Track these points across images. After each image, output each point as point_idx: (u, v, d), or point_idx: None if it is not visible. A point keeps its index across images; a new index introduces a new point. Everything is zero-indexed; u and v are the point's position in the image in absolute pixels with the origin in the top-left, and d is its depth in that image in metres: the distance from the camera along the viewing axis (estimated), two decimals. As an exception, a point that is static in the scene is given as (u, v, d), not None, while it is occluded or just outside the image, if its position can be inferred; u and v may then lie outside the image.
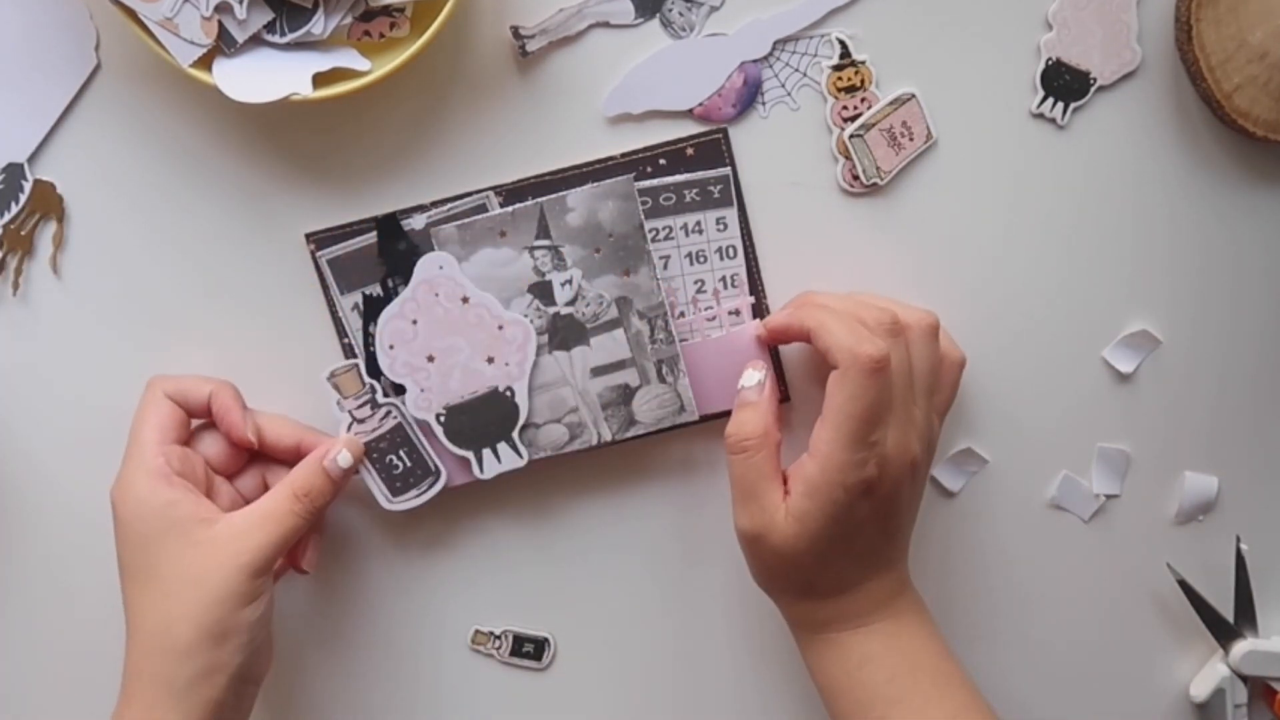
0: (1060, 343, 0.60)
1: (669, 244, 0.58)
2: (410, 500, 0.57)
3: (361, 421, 0.56)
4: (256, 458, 0.57)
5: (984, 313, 0.60)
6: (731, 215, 0.58)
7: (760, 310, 0.59)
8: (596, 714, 0.63)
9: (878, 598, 0.54)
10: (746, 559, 0.55)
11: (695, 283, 0.58)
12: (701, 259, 0.58)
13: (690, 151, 0.57)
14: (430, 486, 0.57)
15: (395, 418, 0.56)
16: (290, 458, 0.56)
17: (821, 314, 0.53)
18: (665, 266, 0.58)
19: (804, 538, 0.51)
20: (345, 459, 0.55)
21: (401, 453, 0.57)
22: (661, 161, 0.57)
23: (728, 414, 0.57)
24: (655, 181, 0.57)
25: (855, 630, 0.54)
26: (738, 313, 0.58)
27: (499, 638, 0.62)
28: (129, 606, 0.52)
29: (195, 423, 0.56)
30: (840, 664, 0.54)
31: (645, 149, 0.57)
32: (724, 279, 0.58)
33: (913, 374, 0.53)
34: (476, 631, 0.62)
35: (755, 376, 0.55)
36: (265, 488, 0.57)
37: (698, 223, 0.58)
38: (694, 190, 0.57)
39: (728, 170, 0.57)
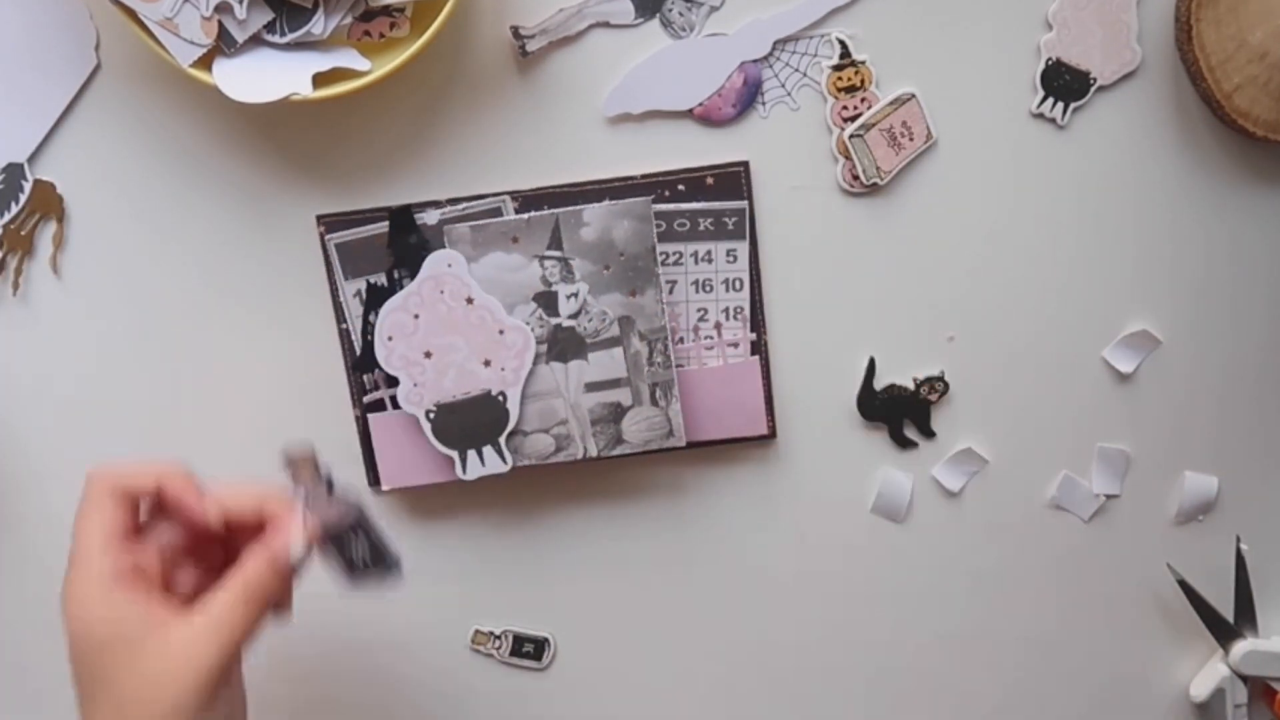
0: (1060, 342, 0.60)
1: (678, 269, 0.58)
2: (371, 585, 0.51)
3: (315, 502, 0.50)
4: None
5: (984, 312, 0.60)
6: (743, 249, 0.58)
7: (760, 346, 0.59)
8: (595, 714, 0.63)
9: None
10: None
11: (699, 311, 0.58)
12: (708, 288, 0.58)
13: (710, 180, 0.57)
14: (393, 574, 0.51)
15: (355, 504, 0.50)
16: (253, 524, 0.50)
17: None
18: (671, 291, 0.58)
19: None
20: (296, 553, 0.49)
21: (362, 538, 0.50)
22: (680, 187, 0.57)
23: (716, 443, 0.59)
24: (671, 206, 0.57)
25: None
26: (737, 345, 0.58)
27: (499, 638, 0.62)
28: (88, 711, 0.48)
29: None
30: None
31: (666, 173, 0.57)
32: (727, 310, 0.58)
33: None
34: (476, 631, 0.62)
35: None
36: (230, 556, 0.51)
37: (708, 252, 0.58)
38: (709, 219, 0.58)
39: (744, 204, 0.58)
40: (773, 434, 0.60)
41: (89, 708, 0.48)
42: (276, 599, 0.50)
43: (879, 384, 0.60)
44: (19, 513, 0.60)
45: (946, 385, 0.60)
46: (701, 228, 0.58)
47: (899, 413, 0.60)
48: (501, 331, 0.56)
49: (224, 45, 0.52)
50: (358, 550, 0.49)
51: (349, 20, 0.53)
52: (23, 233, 0.57)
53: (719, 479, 0.60)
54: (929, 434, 0.61)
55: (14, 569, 0.61)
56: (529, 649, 0.62)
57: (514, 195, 0.57)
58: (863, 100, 0.58)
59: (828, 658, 0.62)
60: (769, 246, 0.59)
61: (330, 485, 0.48)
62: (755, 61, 0.57)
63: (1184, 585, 0.61)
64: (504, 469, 0.57)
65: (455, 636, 0.62)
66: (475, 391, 0.57)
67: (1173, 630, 0.63)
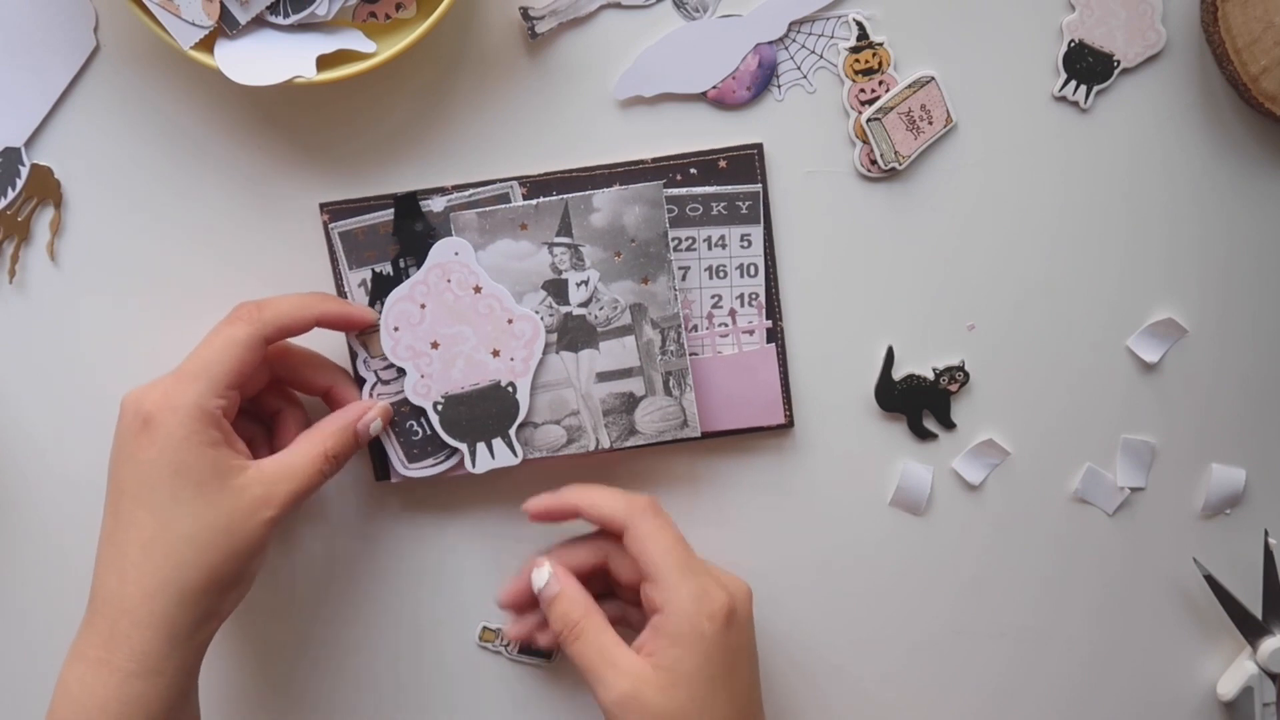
0: (1083, 332, 0.59)
1: (690, 255, 0.57)
2: (425, 469, 0.57)
3: (386, 383, 0.56)
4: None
5: (1004, 301, 0.59)
6: (757, 233, 0.57)
7: (776, 334, 0.58)
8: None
9: None
10: None
11: (713, 298, 0.58)
12: (722, 274, 0.57)
13: (723, 164, 0.57)
14: (447, 458, 0.57)
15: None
16: (312, 391, 0.56)
17: (580, 491, 0.54)
18: (684, 278, 0.57)
19: (680, 685, 0.50)
20: (377, 427, 0.55)
21: (422, 420, 0.56)
22: (693, 170, 0.57)
23: (732, 433, 0.58)
24: (684, 190, 0.57)
25: None
26: (752, 332, 0.58)
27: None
28: (129, 535, 0.49)
29: None
30: None
31: (678, 156, 0.56)
32: (742, 297, 0.58)
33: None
34: (484, 629, 0.61)
35: (543, 577, 0.53)
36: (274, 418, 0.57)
37: (721, 237, 0.57)
38: (722, 204, 0.57)
39: (759, 187, 0.57)
40: (790, 423, 0.59)
41: (144, 522, 0.49)
42: (345, 462, 0.54)
43: (897, 374, 0.59)
44: (17, 501, 0.59)
45: (967, 375, 0.59)
46: (714, 212, 0.57)
47: (918, 403, 0.59)
48: (510, 321, 0.56)
49: (226, 27, 0.52)
50: (420, 430, 0.57)
51: (354, 1, 0.53)
52: (19, 219, 0.57)
53: (735, 470, 0.60)
54: (949, 425, 0.60)
55: (12, 556, 0.60)
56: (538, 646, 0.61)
57: (522, 181, 0.56)
58: (880, 83, 0.57)
59: (845, 651, 0.61)
60: (784, 232, 0.58)
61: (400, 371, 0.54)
62: (770, 43, 0.57)
63: (1211, 581, 0.60)
64: (514, 462, 0.57)
65: (463, 633, 0.61)
66: (484, 382, 0.56)
67: (1199, 627, 0.62)
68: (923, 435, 0.59)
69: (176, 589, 0.49)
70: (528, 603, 0.55)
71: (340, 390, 0.56)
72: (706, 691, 0.50)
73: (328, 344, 0.57)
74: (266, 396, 0.56)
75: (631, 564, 0.53)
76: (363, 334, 0.56)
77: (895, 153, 0.57)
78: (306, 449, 0.53)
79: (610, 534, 0.54)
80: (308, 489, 0.52)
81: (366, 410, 0.55)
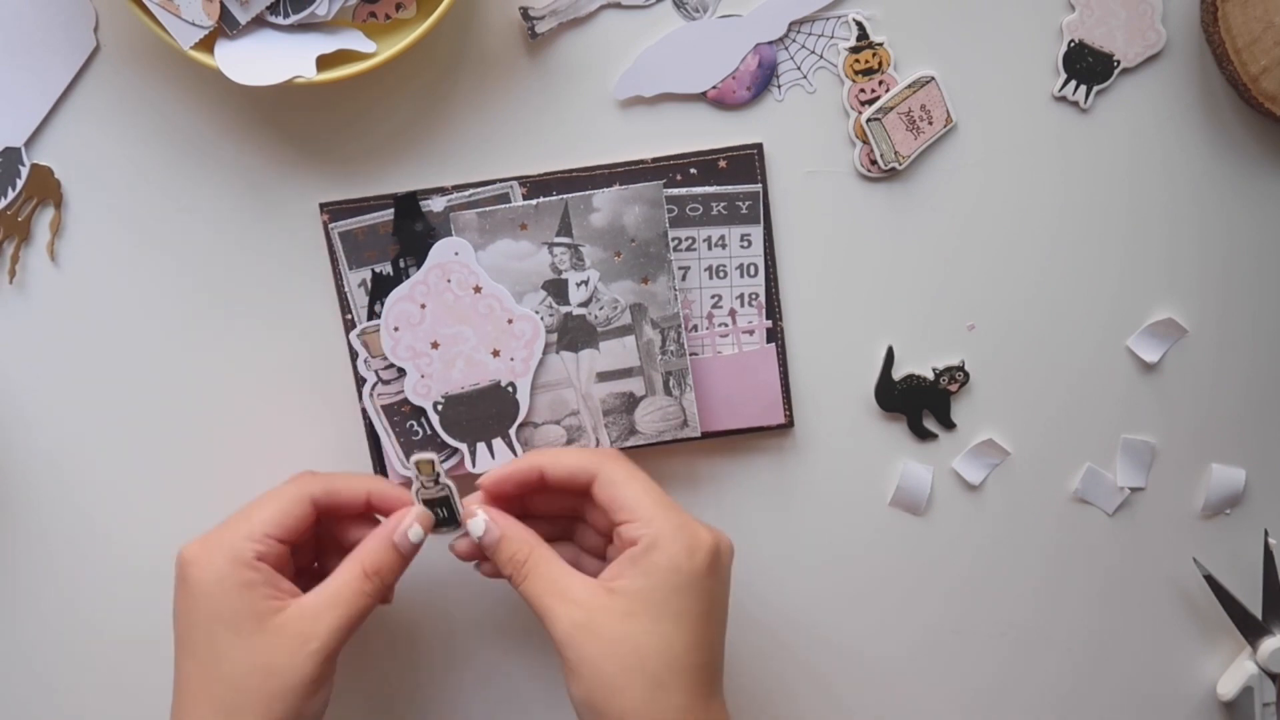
0: (1083, 331, 0.59)
1: (690, 255, 0.57)
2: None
3: (386, 383, 0.56)
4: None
5: (1004, 301, 0.59)
6: (757, 233, 0.57)
7: (776, 334, 0.58)
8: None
9: None
10: (588, 687, 0.48)
11: (713, 297, 0.58)
12: (722, 274, 0.57)
13: (723, 164, 0.57)
14: (447, 458, 0.57)
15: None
16: (357, 511, 0.53)
17: (536, 454, 0.52)
18: (684, 278, 0.57)
19: (640, 614, 0.47)
20: (417, 534, 0.51)
21: (423, 420, 0.56)
22: (692, 170, 0.56)
23: (732, 433, 0.58)
24: (684, 190, 0.57)
25: None
26: (752, 332, 0.58)
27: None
28: (182, 685, 0.49)
29: None
30: None
31: (677, 156, 0.56)
32: (742, 297, 0.58)
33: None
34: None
35: (479, 525, 0.51)
36: (321, 551, 0.55)
37: (721, 237, 0.57)
38: (722, 203, 0.57)
39: (759, 187, 0.57)
40: (790, 423, 0.59)
41: (196, 674, 0.49)
42: (394, 581, 0.52)
43: (897, 374, 0.59)
44: (15, 504, 0.59)
45: (967, 375, 0.59)
46: (714, 212, 0.57)
47: (918, 403, 0.59)
48: (510, 320, 0.56)
49: (226, 27, 0.52)
50: (421, 429, 0.56)
51: (354, 1, 0.53)
52: (19, 219, 0.57)
53: (735, 470, 0.59)
54: (949, 425, 0.60)
55: (9, 562, 0.60)
56: (443, 514, 0.60)
57: (522, 181, 0.56)
58: (880, 83, 0.57)
59: (845, 650, 0.61)
60: (784, 232, 0.58)
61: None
62: (770, 43, 0.57)
63: (1211, 580, 0.60)
64: None
65: (462, 633, 0.61)
66: (484, 382, 0.56)
67: (1199, 627, 0.62)
68: (923, 435, 0.59)
69: None
70: (507, 492, 0.53)
71: (377, 494, 0.53)
72: (671, 626, 0.48)
73: (309, 373, 0.57)
74: (327, 558, 0.55)
75: (600, 514, 0.51)
76: (363, 334, 0.56)
77: (895, 153, 0.57)
78: (344, 573, 0.50)
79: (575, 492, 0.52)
80: (353, 615, 0.49)
81: (401, 519, 0.52)
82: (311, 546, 0.55)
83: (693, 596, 0.48)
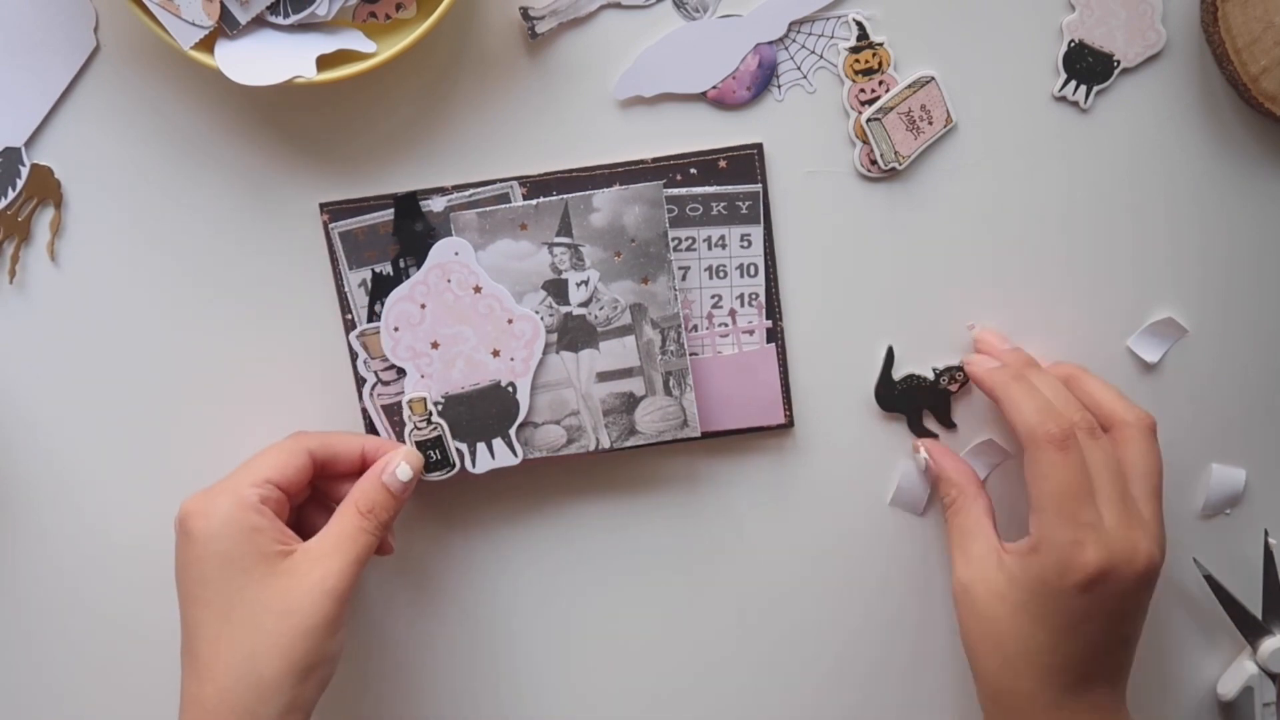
0: (1083, 331, 0.59)
1: (690, 255, 0.57)
2: (434, 476, 0.56)
3: (386, 384, 0.56)
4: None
5: (1004, 301, 0.59)
6: (757, 233, 0.57)
7: (776, 334, 0.58)
8: (608, 709, 0.62)
9: (1097, 715, 0.52)
10: (963, 636, 0.54)
11: (713, 297, 0.58)
12: (722, 274, 0.57)
13: (723, 164, 0.56)
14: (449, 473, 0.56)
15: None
16: (354, 470, 0.54)
17: (1015, 387, 0.53)
18: (684, 278, 0.57)
19: (1009, 600, 0.51)
20: (405, 472, 0.53)
21: (436, 451, 0.56)
22: (692, 170, 0.56)
23: (732, 433, 0.58)
24: (684, 190, 0.57)
25: None
26: (752, 332, 0.58)
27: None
28: (197, 636, 0.49)
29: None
30: None
31: (677, 156, 0.56)
32: (742, 297, 0.58)
33: (1129, 472, 0.52)
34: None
35: (921, 462, 0.58)
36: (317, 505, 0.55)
37: (721, 237, 0.57)
38: (722, 203, 0.57)
39: (759, 187, 0.57)
40: (790, 423, 0.59)
41: (210, 624, 0.49)
42: (389, 520, 0.53)
43: (897, 373, 0.59)
44: (17, 502, 0.59)
45: (967, 375, 0.59)
46: (714, 212, 0.57)
47: (918, 403, 0.59)
48: (510, 320, 0.56)
49: (226, 27, 0.52)
50: (432, 457, 0.56)
51: (354, 1, 0.53)
52: (20, 219, 0.57)
53: (735, 470, 0.59)
54: (949, 425, 0.59)
55: (11, 559, 0.60)
56: (435, 458, 0.60)
57: (522, 181, 0.56)
58: (880, 83, 0.57)
59: (846, 652, 0.61)
60: (784, 232, 0.58)
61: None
62: (770, 43, 0.56)
63: (1211, 580, 0.60)
64: (514, 461, 0.56)
65: (463, 633, 0.61)
66: (484, 382, 0.56)
67: (1199, 627, 0.62)
68: (923, 435, 0.59)
69: (253, 680, 0.48)
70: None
71: (371, 449, 0.54)
72: (1028, 624, 0.51)
73: (309, 372, 0.57)
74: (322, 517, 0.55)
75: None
76: (363, 334, 0.56)
77: (895, 153, 0.57)
78: (341, 516, 0.52)
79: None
80: (357, 552, 0.51)
81: (391, 459, 0.53)
82: (308, 505, 0.55)
83: (1055, 608, 0.50)
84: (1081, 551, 0.49)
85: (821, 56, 0.57)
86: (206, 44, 0.52)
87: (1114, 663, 0.53)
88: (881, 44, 0.57)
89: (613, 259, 0.56)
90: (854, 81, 0.57)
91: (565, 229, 0.55)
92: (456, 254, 0.55)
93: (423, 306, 0.55)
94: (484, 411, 0.56)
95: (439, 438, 0.54)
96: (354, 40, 0.53)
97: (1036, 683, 0.51)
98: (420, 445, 0.55)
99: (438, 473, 0.55)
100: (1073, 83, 0.57)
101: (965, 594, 0.53)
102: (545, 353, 0.56)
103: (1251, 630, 0.61)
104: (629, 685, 0.62)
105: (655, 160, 0.56)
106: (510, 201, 0.56)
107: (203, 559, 0.49)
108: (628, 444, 0.57)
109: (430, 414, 0.54)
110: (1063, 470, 0.50)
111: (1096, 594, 0.50)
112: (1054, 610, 0.50)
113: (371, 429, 0.57)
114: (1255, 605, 0.60)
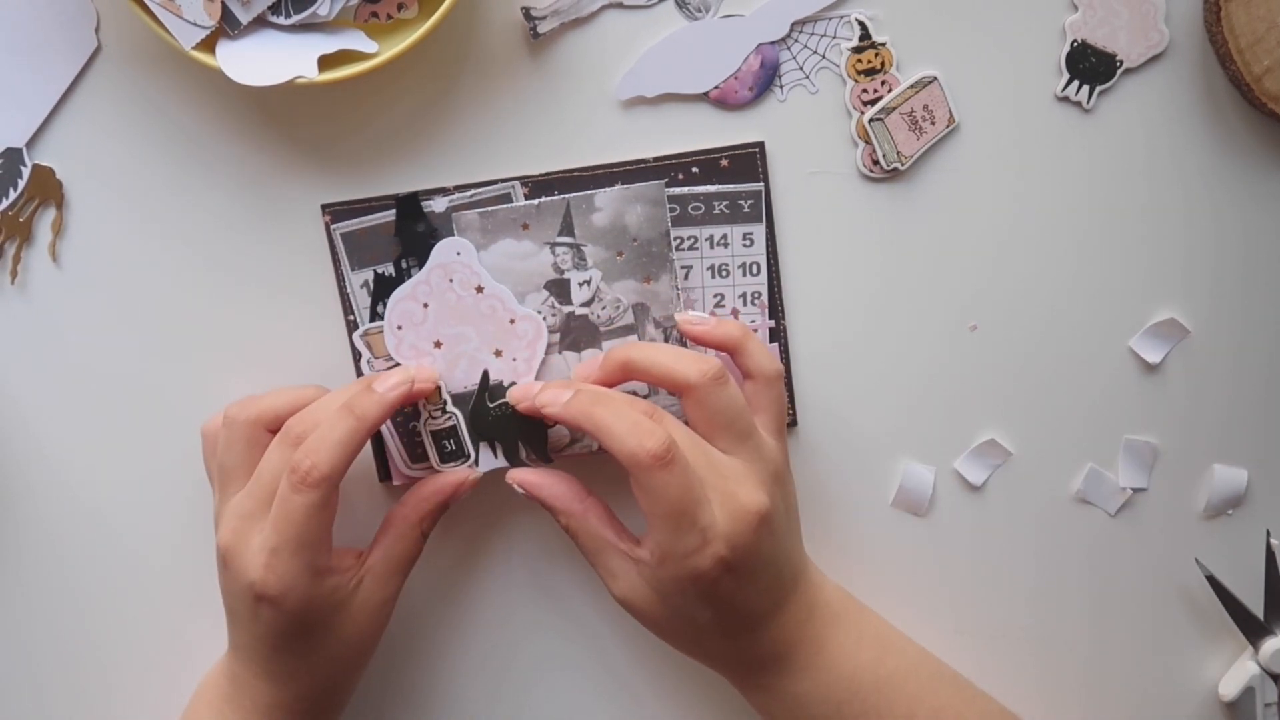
0: (1085, 332, 0.59)
1: (692, 254, 0.57)
2: (428, 469, 0.56)
3: None
4: None
5: (1007, 301, 0.59)
6: (759, 232, 0.57)
7: (779, 333, 0.58)
8: (610, 708, 0.62)
9: (788, 634, 0.53)
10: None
11: (715, 296, 0.57)
12: (724, 273, 0.57)
13: (725, 163, 0.56)
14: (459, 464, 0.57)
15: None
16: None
17: (599, 413, 0.50)
18: (686, 277, 0.57)
19: (664, 603, 0.52)
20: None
21: (451, 440, 0.56)
22: (694, 169, 0.56)
23: None
24: (685, 189, 0.56)
25: (779, 674, 0.53)
26: (755, 332, 0.58)
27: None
28: (280, 670, 0.53)
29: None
30: (780, 711, 0.54)
31: (679, 155, 0.56)
32: (744, 296, 0.58)
33: (719, 429, 0.51)
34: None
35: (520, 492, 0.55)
36: None
37: (724, 236, 0.57)
38: (724, 203, 0.57)
39: (761, 186, 0.57)
40: (793, 422, 0.59)
41: (292, 664, 0.52)
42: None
43: (493, 399, 0.56)
44: (18, 503, 0.59)
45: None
46: (716, 211, 0.57)
47: (512, 433, 0.56)
48: (513, 321, 0.56)
49: (227, 27, 0.52)
50: (447, 447, 0.56)
51: (356, 1, 0.53)
52: (21, 219, 0.57)
53: (737, 471, 0.59)
54: (546, 459, 0.56)
55: (14, 562, 0.60)
56: (450, 447, 0.59)
57: (524, 181, 0.56)
58: (883, 83, 0.57)
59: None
60: (787, 233, 0.58)
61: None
62: (773, 43, 0.56)
63: (1213, 581, 0.60)
64: (517, 461, 0.56)
65: (464, 633, 0.61)
66: (487, 382, 0.56)
67: (1201, 627, 0.62)
68: (517, 465, 0.56)
69: (330, 687, 0.54)
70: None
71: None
72: (688, 614, 0.52)
73: (310, 372, 0.57)
74: None
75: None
76: (366, 334, 0.56)
77: (897, 153, 0.57)
78: (402, 533, 0.54)
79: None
80: (408, 568, 0.55)
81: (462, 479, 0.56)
82: None
83: (704, 597, 0.51)
84: (703, 556, 0.49)
85: (824, 56, 0.57)
86: (208, 44, 0.52)
87: (789, 572, 0.53)
88: (884, 44, 0.56)
89: (615, 258, 0.56)
90: (856, 81, 0.57)
91: (567, 229, 0.55)
92: (458, 254, 0.55)
93: (425, 306, 0.55)
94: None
95: (454, 427, 0.54)
96: (356, 40, 0.53)
97: (736, 640, 0.53)
98: (435, 435, 0.55)
99: (454, 463, 0.55)
100: (1075, 83, 0.57)
101: (628, 606, 0.53)
102: (548, 353, 0.56)
103: (1253, 631, 0.60)
104: (629, 685, 0.62)
105: (657, 159, 0.56)
106: (512, 201, 0.56)
107: (285, 625, 0.51)
108: (629, 444, 0.57)
109: (445, 403, 0.54)
110: (673, 487, 0.48)
111: (734, 572, 0.50)
112: (704, 596, 0.50)
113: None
114: (1257, 606, 0.60)
